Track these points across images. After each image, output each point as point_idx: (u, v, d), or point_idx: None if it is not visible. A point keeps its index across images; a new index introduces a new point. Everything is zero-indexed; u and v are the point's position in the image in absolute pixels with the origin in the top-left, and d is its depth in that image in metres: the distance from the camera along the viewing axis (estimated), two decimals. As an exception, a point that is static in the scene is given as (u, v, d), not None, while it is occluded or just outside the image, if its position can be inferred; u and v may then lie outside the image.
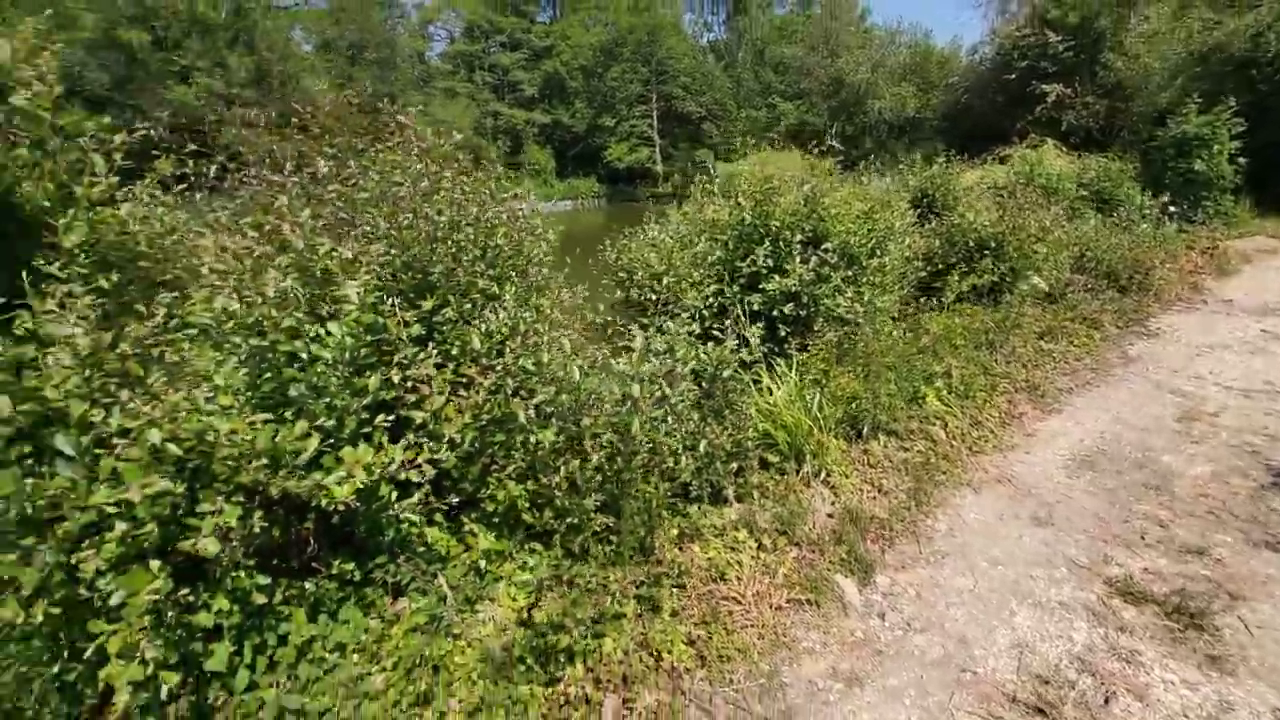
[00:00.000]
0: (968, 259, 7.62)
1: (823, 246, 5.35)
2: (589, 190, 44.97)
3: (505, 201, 4.00)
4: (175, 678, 2.05)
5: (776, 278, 5.18)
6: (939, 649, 2.93)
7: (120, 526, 2.14)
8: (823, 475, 4.09)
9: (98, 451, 2.22)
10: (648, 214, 6.42)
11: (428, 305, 3.37)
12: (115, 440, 2.14)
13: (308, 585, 2.79)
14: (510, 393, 3.23)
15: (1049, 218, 8.28)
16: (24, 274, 2.58)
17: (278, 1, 41.14)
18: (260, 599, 2.43)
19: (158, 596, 2.00)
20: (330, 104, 4.13)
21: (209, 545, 2.08)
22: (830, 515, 3.79)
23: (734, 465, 3.83)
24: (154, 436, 2.18)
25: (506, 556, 3.22)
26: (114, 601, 2.10)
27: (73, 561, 2.06)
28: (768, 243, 5.24)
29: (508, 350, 3.39)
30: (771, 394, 4.33)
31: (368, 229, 3.64)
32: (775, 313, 5.26)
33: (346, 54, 38.75)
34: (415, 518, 2.86)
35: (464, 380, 3.27)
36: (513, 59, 48.11)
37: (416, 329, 3.21)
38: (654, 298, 5.33)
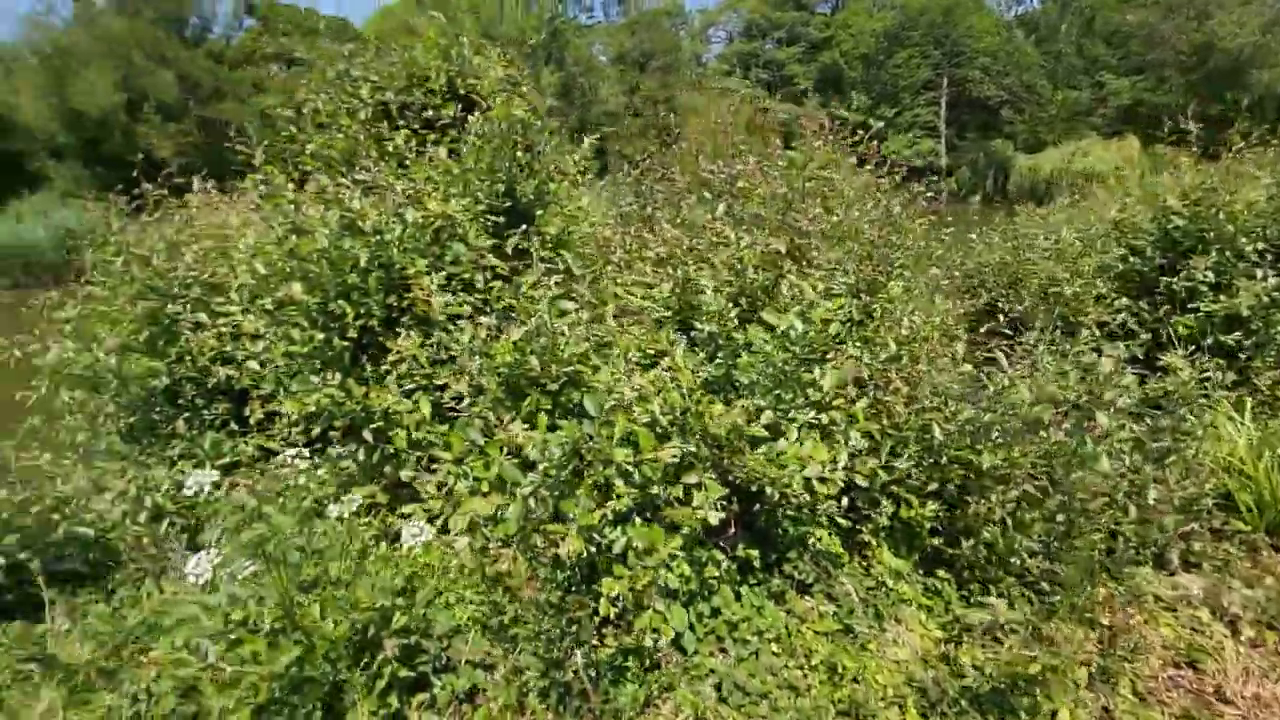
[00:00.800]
0: None
1: (1292, 260, 4.13)
2: (857, 186, 42.62)
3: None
4: (671, 632, 2.26)
5: (1222, 297, 4.13)
6: None
7: (619, 484, 2.43)
8: (1313, 560, 3.13)
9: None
10: (1017, 213, 5.66)
11: (835, 304, 3.31)
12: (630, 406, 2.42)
13: (722, 563, 2.93)
14: (929, 405, 3.02)
15: None
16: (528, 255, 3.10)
17: (583, 18, 46.40)
18: (712, 572, 2.58)
19: (679, 553, 2.20)
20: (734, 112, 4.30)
21: (711, 515, 2.24)
22: (1341, 617, 2.87)
23: (1184, 526, 3.12)
24: (654, 406, 2.43)
25: (904, 577, 3.04)
26: (615, 550, 2.39)
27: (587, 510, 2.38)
28: (1213, 252, 4.19)
29: (920, 357, 3.18)
30: (1230, 441, 3.44)
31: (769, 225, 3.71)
32: (1210, 340, 4.21)
33: (637, 63, 42.12)
34: (842, 521, 2.82)
35: (875, 384, 3.14)
36: (788, 53, 47.52)
37: (835, 327, 3.16)
38: (1023, 308, 4.65)
